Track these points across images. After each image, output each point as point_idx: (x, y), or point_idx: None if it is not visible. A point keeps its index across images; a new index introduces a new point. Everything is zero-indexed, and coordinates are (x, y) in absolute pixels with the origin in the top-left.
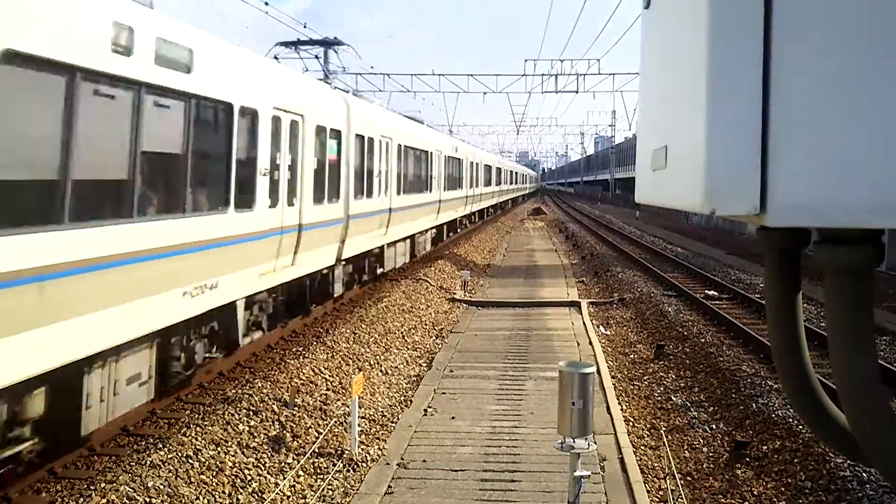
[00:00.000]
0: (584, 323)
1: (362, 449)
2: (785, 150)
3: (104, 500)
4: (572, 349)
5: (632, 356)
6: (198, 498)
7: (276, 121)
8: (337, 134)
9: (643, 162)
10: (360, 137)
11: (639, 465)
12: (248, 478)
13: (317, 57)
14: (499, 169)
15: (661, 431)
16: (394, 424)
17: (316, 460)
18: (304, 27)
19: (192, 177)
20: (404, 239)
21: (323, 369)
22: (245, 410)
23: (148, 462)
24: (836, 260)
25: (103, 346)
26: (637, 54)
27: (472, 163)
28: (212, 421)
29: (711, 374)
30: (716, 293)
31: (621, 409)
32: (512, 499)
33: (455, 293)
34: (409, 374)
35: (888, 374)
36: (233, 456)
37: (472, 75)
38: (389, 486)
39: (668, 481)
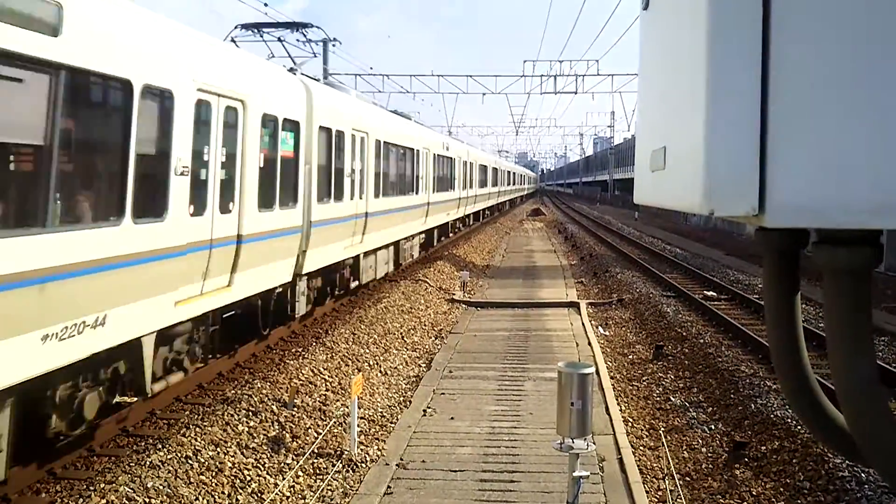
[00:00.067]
0: (583, 323)
1: (361, 449)
2: (784, 151)
3: (104, 501)
4: (571, 350)
5: (631, 357)
6: (197, 498)
7: (203, 106)
8: (294, 126)
9: (642, 163)
10: (327, 131)
11: (638, 466)
12: (248, 478)
13: (280, 40)
14: (495, 169)
15: (660, 432)
16: (393, 425)
17: (315, 461)
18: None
19: (58, 178)
20: (386, 246)
21: (322, 370)
22: (244, 411)
23: (147, 462)
24: (835, 261)
25: None
26: (636, 55)
27: (465, 162)
28: (211, 421)
29: (710, 375)
30: (714, 294)
31: (620, 410)
32: (511, 499)
33: (454, 294)
34: (408, 375)
35: (887, 374)
36: (232, 456)
37: (471, 76)
38: (389, 487)
39: (666, 482)
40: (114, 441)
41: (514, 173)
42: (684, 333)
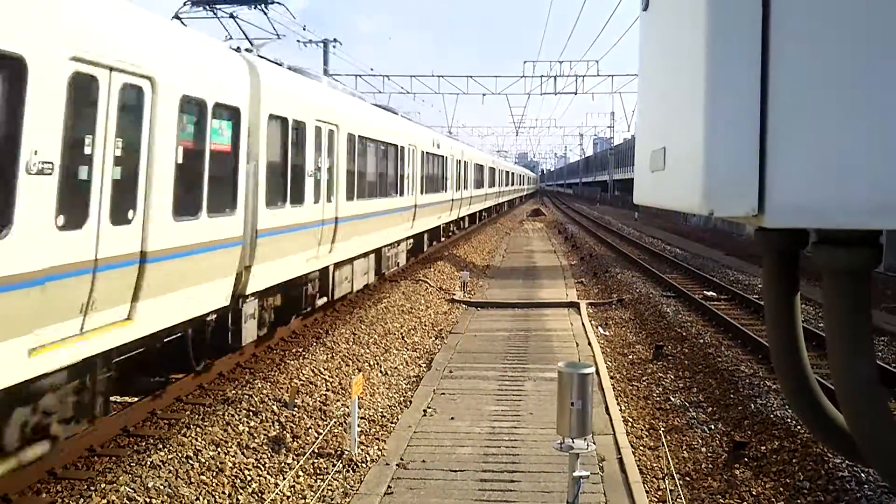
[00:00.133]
0: (583, 324)
1: (362, 449)
2: (783, 151)
3: (104, 501)
4: (571, 350)
5: (631, 357)
6: (198, 498)
7: (83, 82)
8: (233, 113)
9: (642, 163)
10: (281, 121)
11: (637, 466)
12: (248, 478)
13: (232, 16)
14: (492, 169)
15: (660, 432)
16: (393, 425)
17: (316, 461)
18: (304, 29)
19: None
20: (365, 255)
21: (323, 370)
22: (245, 411)
23: (148, 462)
24: (835, 261)
25: None
26: (636, 56)
27: (459, 161)
28: (212, 421)
29: (710, 375)
30: (714, 294)
31: (620, 410)
32: (511, 499)
33: (454, 294)
34: (408, 375)
35: (886, 374)
36: (233, 456)
37: (471, 77)
38: (389, 487)
39: (666, 481)
40: (114, 441)
41: (512, 173)
42: (684, 333)
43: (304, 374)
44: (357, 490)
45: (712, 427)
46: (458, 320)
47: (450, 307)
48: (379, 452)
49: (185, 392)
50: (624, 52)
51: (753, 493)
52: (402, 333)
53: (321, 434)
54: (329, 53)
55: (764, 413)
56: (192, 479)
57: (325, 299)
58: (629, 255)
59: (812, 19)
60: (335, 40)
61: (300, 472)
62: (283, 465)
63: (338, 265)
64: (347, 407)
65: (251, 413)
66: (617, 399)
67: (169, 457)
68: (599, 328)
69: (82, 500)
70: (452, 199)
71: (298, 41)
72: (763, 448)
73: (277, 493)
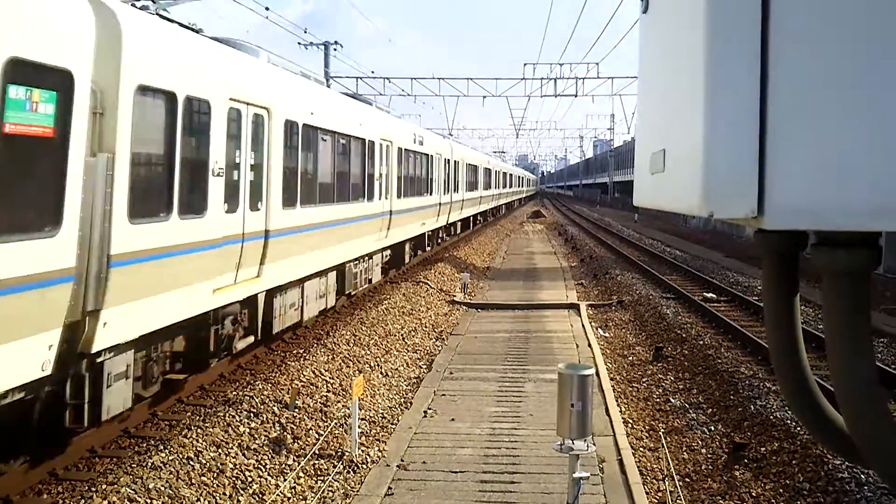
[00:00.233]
0: (583, 325)
1: (362, 450)
2: (783, 153)
3: (105, 502)
4: (571, 351)
5: (631, 358)
6: (199, 499)
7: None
8: (60, 79)
9: (642, 165)
10: (162, 96)
11: (637, 467)
12: (249, 479)
13: None
14: (488, 170)
15: (660, 433)
16: (394, 426)
17: (316, 462)
18: (305, 32)
19: None
20: (321, 274)
21: (323, 371)
22: (246, 412)
23: (149, 464)
24: (834, 262)
25: None
26: (635, 58)
27: (448, 160)
28: (213, 423)
29: (710, 376)
30: (714, 295)
31: (620, 411)
32: (511, 500)
33: (455, 295)
34: (409, 376)
35: (886, 376)
36: (233, 457)
37: (471, 79)
38: (389, 488)
39: (666, 483)
40: (115, 442)
41: (511, 175)
42: (684, 335)
43: (304, 376)
44: (357, 491)
45: (712, 428)
46: (459, 322)
47: (450, 309)
48: (379, 453)
49: (185, 393)
50: (624, 55)
51: (753, 494)
52: (402, 335)
53: (322, 435)
54: (330, 56)
55: (764, 414)
56: (193, 481)
57: (250, 339)
58: (629, 257)
59: (812, 19)
60: (336, 43)
61: (301, 474)
62: (283, 466)
63: (274, 291)
64: (348, 408)
65: (252, 414)
66: (617, 400)
67: (170, 458)
68: (599, 330)
69: (83, 500)
70: (440, 203)
71: (299, 44)
72: (763, 449)
73: (278, 495)
